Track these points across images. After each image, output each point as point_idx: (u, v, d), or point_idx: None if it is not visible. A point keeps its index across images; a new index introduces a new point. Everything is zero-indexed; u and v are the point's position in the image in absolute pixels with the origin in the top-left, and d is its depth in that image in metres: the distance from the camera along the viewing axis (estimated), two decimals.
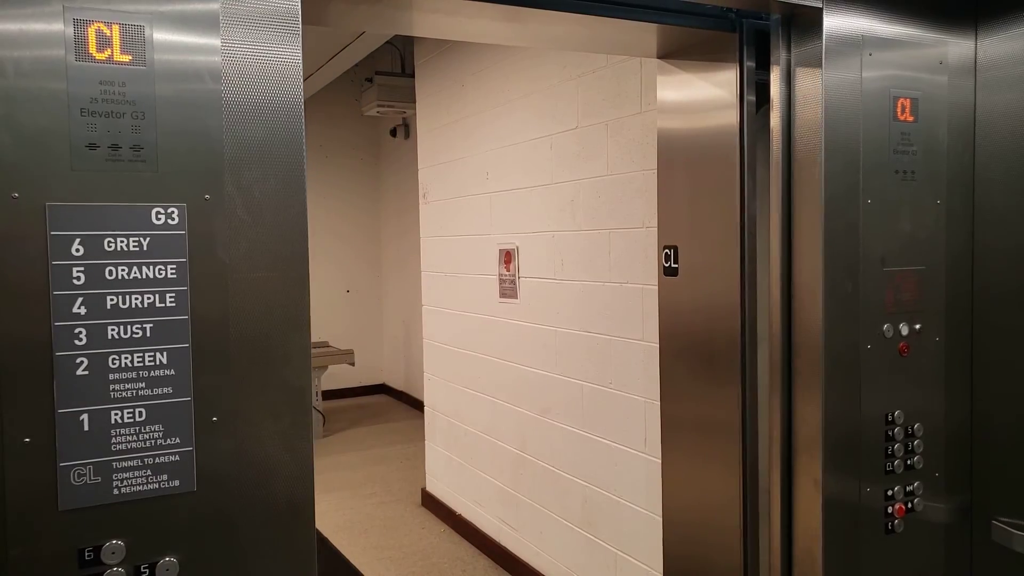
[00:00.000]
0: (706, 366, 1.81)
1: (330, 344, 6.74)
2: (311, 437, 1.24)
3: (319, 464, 5.46)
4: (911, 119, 1.51)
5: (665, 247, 1.86)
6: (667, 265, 1.87)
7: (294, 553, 1.21)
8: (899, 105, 1.50)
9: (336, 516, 4.19)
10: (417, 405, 6.93)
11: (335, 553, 3.71)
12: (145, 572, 1.11)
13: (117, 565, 1.09)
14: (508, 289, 3.45)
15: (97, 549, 1.08)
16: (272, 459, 1.19)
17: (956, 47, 1.58)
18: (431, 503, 4.30)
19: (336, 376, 7.11)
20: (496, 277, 3.55)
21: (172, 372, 1.13)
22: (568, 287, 3.06)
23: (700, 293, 1.79)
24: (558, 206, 3.10)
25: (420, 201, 4.41)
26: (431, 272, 4.30)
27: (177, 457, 1.13)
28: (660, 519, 2.57)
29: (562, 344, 3.11)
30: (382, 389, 7.70)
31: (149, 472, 1.12)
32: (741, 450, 1.69)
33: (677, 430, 1.94)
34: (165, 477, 1.13)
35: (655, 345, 2.57)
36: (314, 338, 6.61)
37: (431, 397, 4.34)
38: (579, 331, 3.00)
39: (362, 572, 3.47)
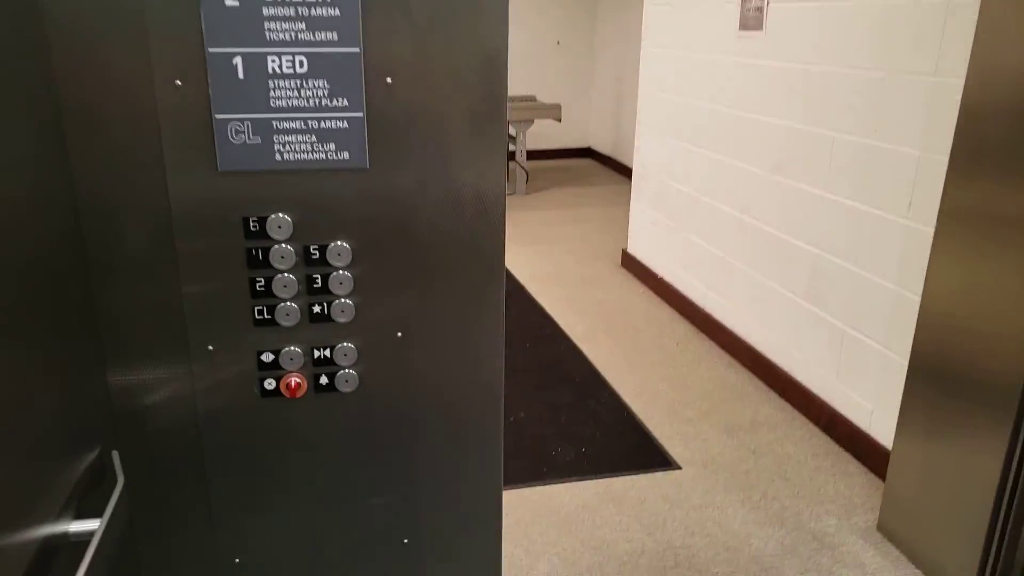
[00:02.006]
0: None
1: (537, 99, 6.43)
2: (504, 148, 0.98)
3: (518, 218, 5.44)
4: None
5: None
6: None
7: (481, 271, 1.00)
8: None
9: (532, 267, 4.17)
10: (623, 171, 6.60)
11: (528, 295, 3.71)
12: (315, 254, 0.95)
13: (285, 241, 0.94)
14: (752, 18, 2.82)
15: (262, 221, 0.93)
16: (459, 146, 0.95)
17: None
18: (632, 264, 4.11)
19: (541, 135, 6.89)
20: (737, 4, 2.92)
21: (337, 12, 0.88)
22: (833, 10, 2.40)
23: None
24: None
25: None
26: (656, 3, 3.69)
27: (345, 124, 0.92)
28: (910, 297, 2.13)
29: (814, 86, 2.52)
30: (588, 153, 7.41)
31: (314, 138, 0.92)
32: None
33: (963, 208, 1.44)
34: (332, 147, 0.92)
35: (943, 80, 1.95)
36: (520, 91, 6.30)
37: (642, 153, 3.96)
38: (840, 68, 2.39)
39: (554, 317, 3.44)
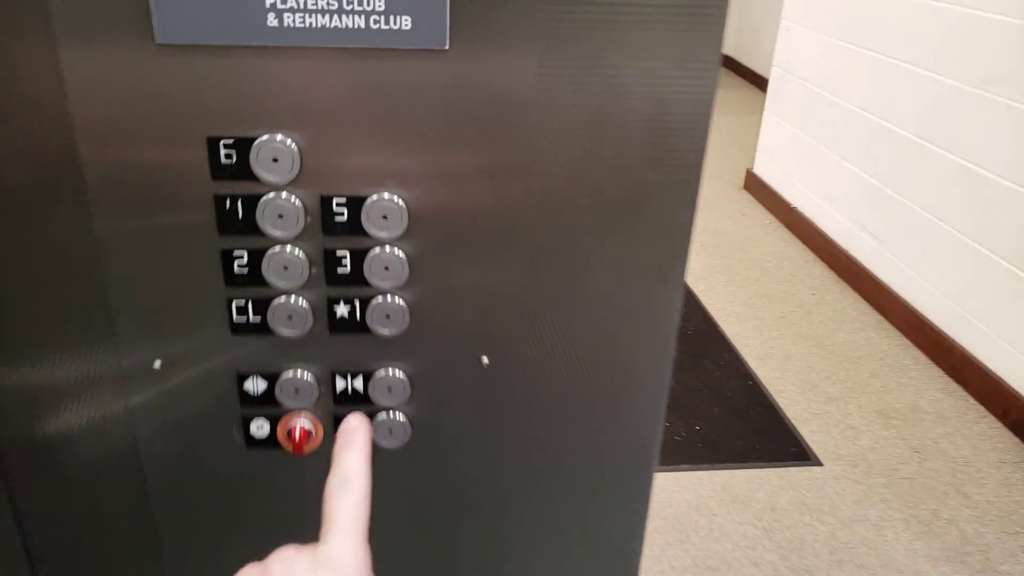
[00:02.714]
0: None
1: None
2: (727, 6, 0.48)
3: None
4: None
5: None
6: None
7: (648, 243, 0.54)
8: None
9: None
10: (747, 75, 5.79)
11: None
12: (341, 212, 0.51)
13: (286, 187, 0.51)
14: None
15: (243, 145, 0.49)
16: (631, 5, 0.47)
17: None
18: (757, 188, 3.51)
19: None
20: None
21: None
22: None
23: None
24: None
25: None
26: None
27: None
28: None
29: None
30: None
31: None
32: None
33: None
34: (381, 5, 0.47)
35: None
36: None
37: (785, 53, 3.28)
38: None
39: None
